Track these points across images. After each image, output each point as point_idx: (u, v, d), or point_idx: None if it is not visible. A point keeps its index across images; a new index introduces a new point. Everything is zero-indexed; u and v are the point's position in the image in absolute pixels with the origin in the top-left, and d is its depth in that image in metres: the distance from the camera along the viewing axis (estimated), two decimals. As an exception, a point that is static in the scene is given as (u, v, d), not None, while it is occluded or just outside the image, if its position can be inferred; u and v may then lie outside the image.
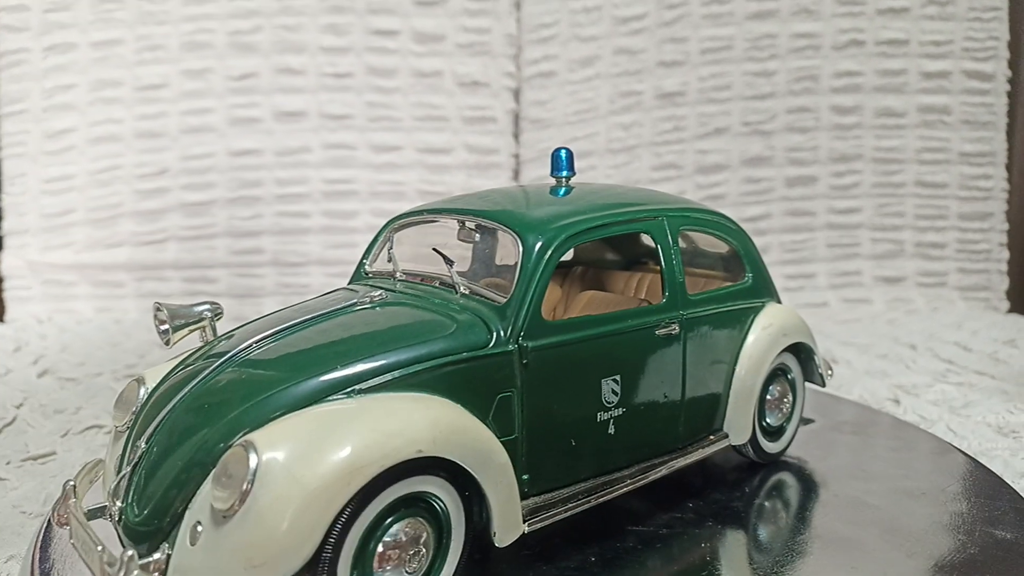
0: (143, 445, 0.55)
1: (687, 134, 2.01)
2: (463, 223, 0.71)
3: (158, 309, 0.64)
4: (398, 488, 0.51)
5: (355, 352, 0.56)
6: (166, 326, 0.63)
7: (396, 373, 0.55)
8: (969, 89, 1.99)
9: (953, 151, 2.01)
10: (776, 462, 0.85)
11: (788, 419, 0.85)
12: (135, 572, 0.47)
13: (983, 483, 0.79)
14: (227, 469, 0.48)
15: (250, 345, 0.59)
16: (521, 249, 0.64)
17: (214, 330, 0.64)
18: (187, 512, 0.50)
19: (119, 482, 0.54)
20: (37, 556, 0.63)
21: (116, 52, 1.94)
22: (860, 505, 0.74)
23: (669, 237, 0.74)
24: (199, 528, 0.49)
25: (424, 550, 0.53)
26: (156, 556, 0.49)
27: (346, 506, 0.49)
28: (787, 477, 0.82)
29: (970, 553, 0.65)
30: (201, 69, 1.95)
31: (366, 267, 0.78)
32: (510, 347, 0.60)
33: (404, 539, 0.52)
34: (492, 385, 0.59)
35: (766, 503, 0.76)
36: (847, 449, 0.90)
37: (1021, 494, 0.77)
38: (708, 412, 0.77)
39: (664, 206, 0.76)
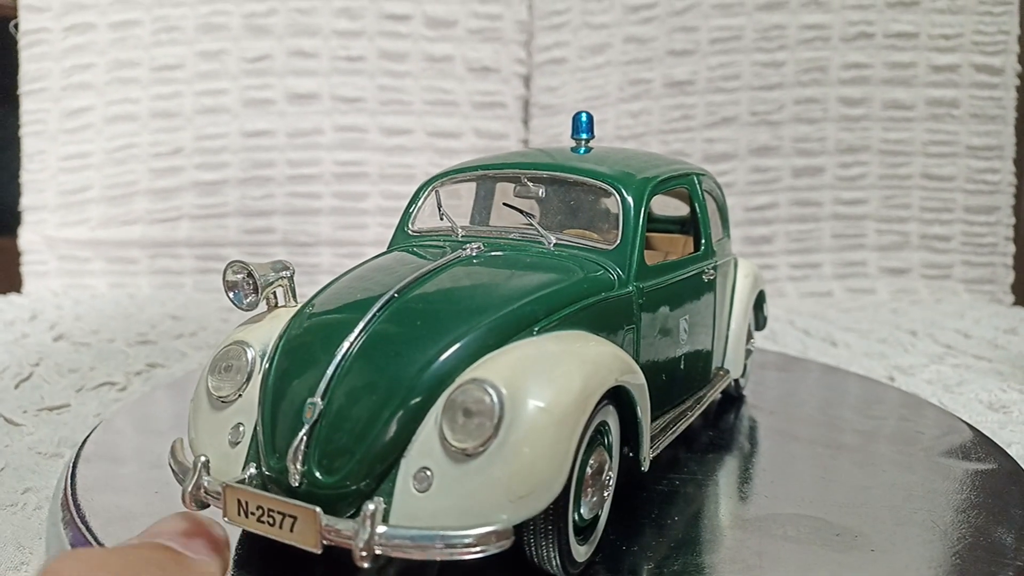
0: (319, 402, 0.50)
1: (695, 123, 2.02)
2: (519, 179, 0.72)
3: (242, 270, 0.60)
4: (597, 417, 0.53)
5: (517, 296, 0.57)
6: (249, 283, 0.60)
7: (564, 312, 0.57)
8: (978, 83, 2.00)
9: (960, 144, 2.01)
10: (783, 403, 0.96)
11: (747, 356, 0.95)
12: (379, 527, 0.45)
13: (963, 430, 0.86)
14: (466, 408, 0.47)
15: (393, 296, 0.55)
16: (620, 200, 0.68)
17: (292, 287, 0.63)
18: (402, 461, 0.48)
19: (297, 446, 0.49)
20: (69, 490, 0.63)
21: (133, 33, 1.98)
22: (868, 419, 0.88)
23: (700, 192, 0.80)
24: (428, 473, 0.47)
25: (608, 479, 0.55)
26: (373, 508, 0.46)
27: (583, 433, 0.50)
28: (808, 409, 0.93)
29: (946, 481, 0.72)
30: (216, 51, 1.98)
31: (409, 228, 0.75)
32: (630, 288, 0.65)
33: (591, 471, 0.54)
34: (621, 322, 0.63)
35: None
36: (851, 398, 1.00)
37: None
38: (721, 350, 0.86)
39: (689, 166, 0.83)
